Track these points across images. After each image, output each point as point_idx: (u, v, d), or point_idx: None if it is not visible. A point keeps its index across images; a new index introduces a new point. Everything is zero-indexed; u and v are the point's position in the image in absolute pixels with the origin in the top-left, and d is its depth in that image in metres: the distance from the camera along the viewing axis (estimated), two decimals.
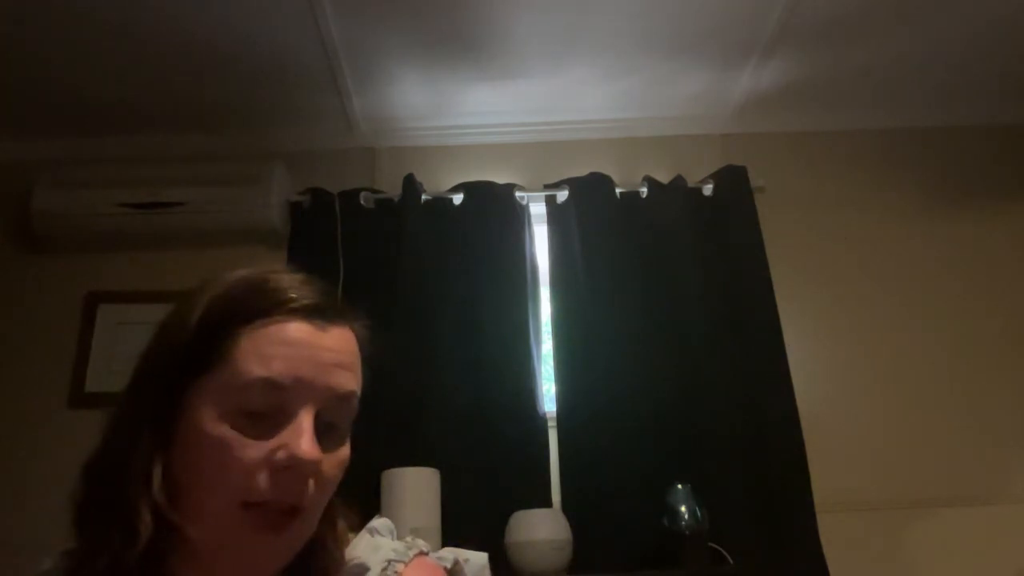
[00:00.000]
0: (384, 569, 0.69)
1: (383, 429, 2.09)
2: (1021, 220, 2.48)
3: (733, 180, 2.39)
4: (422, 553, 0.73)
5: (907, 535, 2.13)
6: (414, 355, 2.17)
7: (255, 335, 0.64)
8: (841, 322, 2.34)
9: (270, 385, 0.62)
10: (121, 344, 2.25)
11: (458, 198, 2.40)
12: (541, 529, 1.88)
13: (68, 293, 2.34)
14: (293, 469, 0.61)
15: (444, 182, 2.45)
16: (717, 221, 2.36)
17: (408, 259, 2.27)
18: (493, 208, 2.35)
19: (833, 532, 2.05)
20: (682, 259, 2.28)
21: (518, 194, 2.40)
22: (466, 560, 0.78)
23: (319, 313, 0.67)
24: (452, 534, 1.87)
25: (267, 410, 0.62)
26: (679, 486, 1.93)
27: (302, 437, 0.61)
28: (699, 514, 1.89)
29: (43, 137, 2.49)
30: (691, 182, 2.41)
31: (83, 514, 0.64)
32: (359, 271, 2.31)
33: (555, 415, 2.18)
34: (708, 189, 2.42)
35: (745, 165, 2.41)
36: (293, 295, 0.67)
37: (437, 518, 1.86)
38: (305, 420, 0.62)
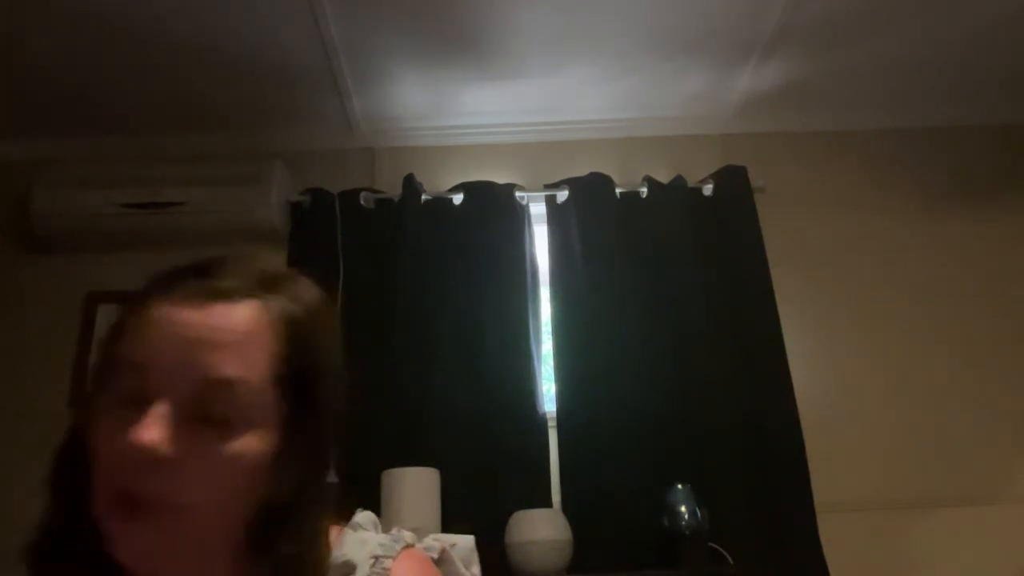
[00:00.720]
0: (372, 566, 0.67)
1: (383, 429, 2.09)
2: (1021, 220, 2.48)
3: (733, 180, 2.39)
4: (409, 546, 0.71)
5: (907, 535, 2.13)
6: (414, 355, 2.17)
7: (133, 320, 0.62)
8: (841, 322, 2.34)
9: (131, 367, 0.60)
10: None
11: (458, 198, 2.40)
12: (541, 529, 1.88)
13: (68, 293, 2.34)
14: (134, 458, 0.56)
15: (444, 182, 2.45)
16: (717, 221, 2.36)
17: (408, 259, 2.27)
18: (493, 208, 2.35)
19: (833, 532, 2.05)
20: (682, 259, 2.28)
21: (518, 194, 2.40)
22: (453, 545, 0.76)
23: (198, 292, 0.62)
24: (452, 534, 1.87)
25: (135, 396, 0.59)
26: (679, 486, 1.93)
27: (144, 422, 0.57)
28: (699, 514, 1.89)
29: (43, 137, 2.49)
30: (691, 182, 2.41)
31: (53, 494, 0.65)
32: (359, 271, 2.31)
33: (555, 415, 2.18)
34: (708, 189, 2.42)
35: (745, 165, 2.41)
36: (179, 272, 0.64)
37: (437, 518, 1.86)
38: (157, 406, 0.58)
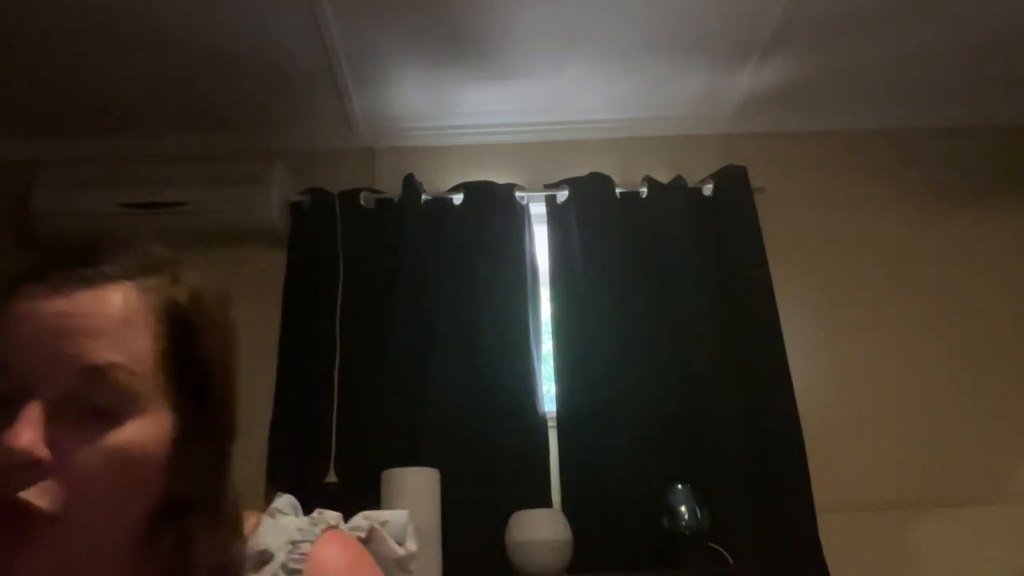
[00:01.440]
0: (289, 552, 0.63)
1: (383, 429, 2.09)
2: (1022, 220, 2.48)
3: (733, 180, 2.39)
4: (331, 527, 0.67)
5: (907, 535, 2.13)
6: (414, 355, 2.17)
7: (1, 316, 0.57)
8: (841, 322, 2.34)
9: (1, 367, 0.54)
10: None
11: (458, 198, 2.40)
12: (541, 529, 1.88)
13: None
14: (9, 467, 0.51)
15: (444, 182, 2.45)
16: (717, 221, 2.36)
17: (408, 259, 2.27)
18: (493, 208, 2.35)
19: (833, 532, 2.05)
20: (682, 259, 2.28)
21: (518, 194, 2.40)
22: (384, 522, 0.72)
23: (66, 280, 0.57)
24: (452, 534, 1.87)
25: (6, 398, 0.54)
26: (679, 486, 1.94)
27: (16, 424, 0.52)
28: (699, 514, 1.89)
29: (43, 137, 2.49)
30: (691, 182, 2.41)
31: None
32: (359, 271, 2.31)
33: (555, 415, 2.18)
34: (708, 189, 2.42)
35: (745, 165, 2.41)
36: (37, 263, 0.59)
37: (437, 518, 1.86)
38: (28, 406, 0.53)
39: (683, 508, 1.90)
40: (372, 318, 2.23)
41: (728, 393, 2.15)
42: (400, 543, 0.73)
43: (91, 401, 0.55)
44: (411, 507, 1.83)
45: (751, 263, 2.30)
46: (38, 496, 0.52)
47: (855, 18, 2.13)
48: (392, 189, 2.41)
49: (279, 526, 0.66)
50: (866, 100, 2.51)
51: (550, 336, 2.27)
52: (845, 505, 2.12)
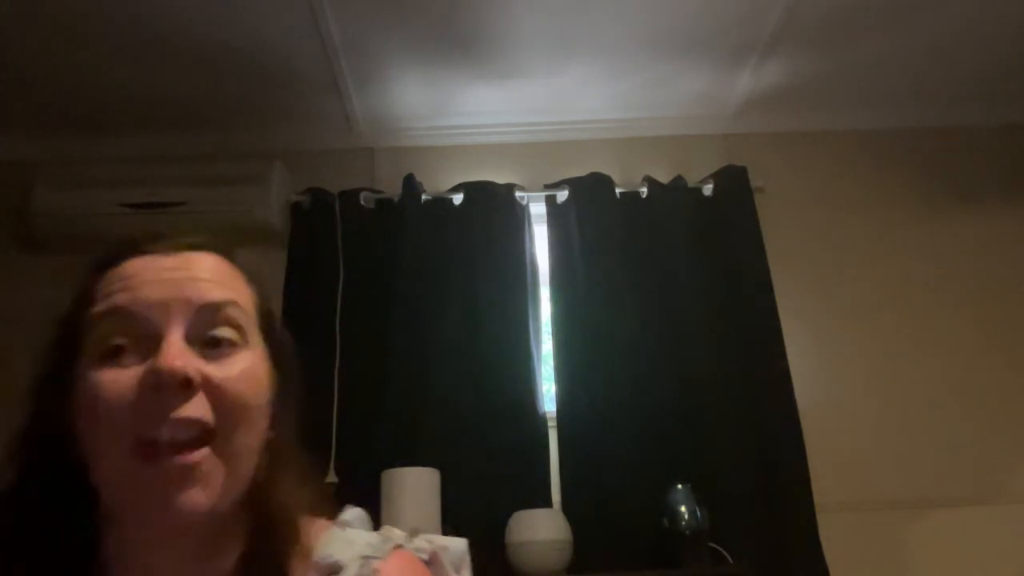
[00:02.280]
0: (361, 566, 0.65)
1: (383, 429, 2.09)
2: (1022, 221, 2.48)
3: (733, 180, 2.39)
4: (399, 546, 0.69)
5: (907, 535, 2.13)
6: (414, 355, 2.17)
7: (102, 282, 0.63)
8: (841, 322, 2.34)
9: (118, 314, 0.59)
10: None
11: (458, 198, 2.40)
12: (541, 529, 1.88)
13: (68, 293, 2.33)
14: (164, 386, 0.55)
15: (444, 182, 2.45)
16: (717, 221, 2.36)
17: (408, 259, 2.27)
18: (493, 208, 2.35)
19: (833, 532, 2.05)
20: (682, 259, 2.28)
21: (518, 194, 2.40)
22: (444, 548, 0.74)
23: (166, 246, 0.64)
24: (452, 534, 1.87)
25: (129, 343, 0.58)
26: (679, 486, 1.94)
27: (163, 351, 0.56)
28: (699, 514, 1.89)
29: (43, 137, 2.48)
30: (691, 182, 2.41)
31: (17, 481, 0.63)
32: (359, 271, 2.31)
33: (555, 415, 2.18)
34: (708, 189, 2.42)
35: (745, 165, 2.41)
36: (143, 239, 0.65)
37: (437, 518, 1.86)
38: (168, 335, 0.57)
39: (683, 508, 1.90)
40: (372, 318, 2.23)
41: (728, 393, 2.15)
42: (457, 571, 0.74)
43: (211, 333, 0.60)
44: (411, 507, 1.83)
45: (751, 263, 2.30)
46: (196, 411, 0.56)
47: (855, 18, 2.13)
48: (392, 189, 2.41)
49: (348, 539, 0.68)
50: (866, 100, 2.51)
51: (550, 336, 2.27)
52: (845, 505, 2.12)
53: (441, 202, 2.39)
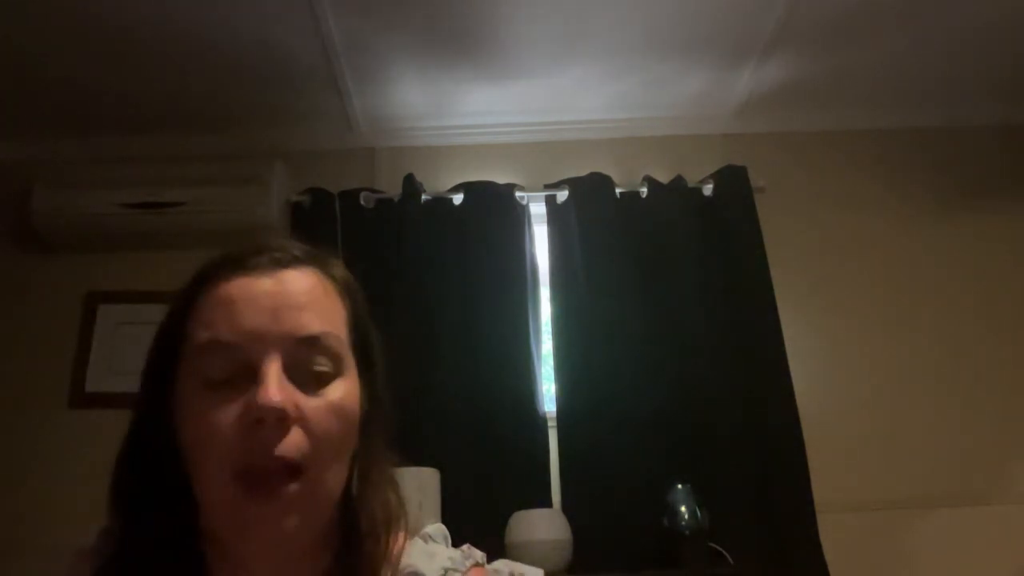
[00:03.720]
0: None
1: None
2: (1022, 221, 2.48)
3: (733, 180, 2.39)
4: (478, 565, 0.71)
5: (907, 535, 2.13)
6: (414, 355, 2.17)
7: (201, 304, 0.64)
8: (841, 322, 2.34)
9: (220, 346, 0.61)
10: (121, 344, 2.25)
11: (458, 198, 2.40)
12: (541, 529, 1.88)
13: (68, 293, 2.34)
14: (262, 421, 0.58)
15: (444, 182, 2.45)
16: (717, 221, 2.36)
17: (408, 259, 2.27)
18: (493, 208, 2.35)
19: (833, 532, 2.05)
20: (682, 259, 2.29)
21: (518, 194, 2.40)
22: (521, 574, 0.74)
23: (264, 264, 0.65)
24: (452, 534, 1.86)
25: (232, 374, 0.60)
26: (679, 486, 1.93)
27: (263, 386, 0.58)
28: (699, 514, 1.89)
29: (43, 137, 2.49)
30: (691, 182, 2.41)
31: (119, 498, 0.65)
32: (359, 271, 2.27)
33: (555, 415, 2.18)
34: (708, 189, 2.42)
35: (745, 165, 2.41)
36: (235, 255, 0.65)
37: (437, 518, 1.86)
38: (266, 370, 0.59)
39: (683, 508, 1.90)
40: (372, 318, 2.22)
41: (728, 393, 2.15)
42: None
43: (309, 365, 0.62)
44: (411, 507, 1.83)
45: (751, 263, 2.30)
46: (288, 450, 0.58)
47: (855, 18, 2.13)
48: (392, 189, 2.41)
49: (429, 551, 0.70)
50: (866, 100, 2.51)
51: (550, 336, 2.27)
52: (845, 505, 2.12)
53: (441, 202, 2.39)
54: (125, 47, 2.13)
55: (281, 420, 0.58)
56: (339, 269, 0.70)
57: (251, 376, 0.59)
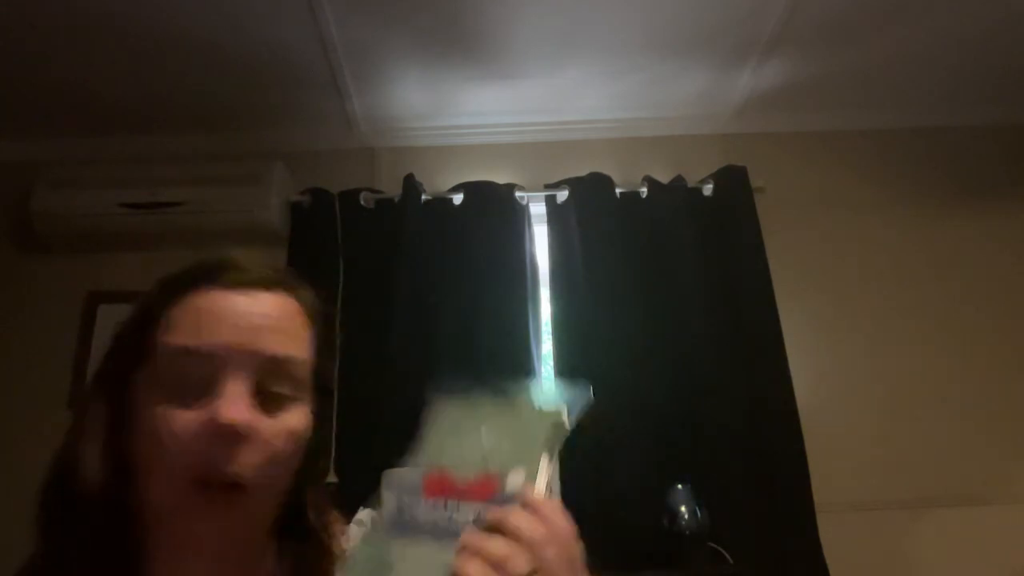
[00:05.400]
0: None
1: (383, 429, 2.09)
2: (1022, 221, 2.48)
3: (733, 180, 2.39)
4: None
5: (907, 535, 2.13)
6: (413, 355, 2.17)
7: (176, 310, 0.64)
8: (841, 322, 2.34)
9: (191, 354, 0.62)
10: None
11: (458, 198, 2.40)
12: None
13: (68, 293, 2.34)
14: (221, 435, 0.59)
15: (444, 182, 2.45)
16: (717, 221, 2.36)
17: (408, 259, 2.27)
18: (493, 208, 2.35)
19: (833, 532, 2.05)
20: (682, 259, 2.28)
21: (518, 194, 2.40)
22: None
23: (240, 281, 0.66)
24: None
25: (198, 382, 0.61)
26: (679, 486, 1.94)
27: (226, 401, 0.60)
28: (699, 514, 1.89)
29: (43, 137, 2.49)
30: (691, 182, 2.41)
31: (46, 512, 0.65)
32: (359, 271, 2.31)
33: None
34: (708, 189, 2.42)
35: (745, 165, 2.41)
36: (218, 267, 0.67)
37: None
38: (232, 386, 0.61)
39: (683, 508, 1.90)
40: (372, 318, 2.23)
41: (728, 393, 2.15)
42: None
43: (272, 386, 0.63)
44: None
45: (751, 263, 2.30)
46: (242, 467, 0.60)
47: (855, 18, 2.13)
48: (392, 189, 2.41)
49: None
50: (866, 100, 2.51)
51: (550, 336, 2.26)
52: (845, 505, 2.12)
53: (441, 202, 2.39)
54: (125, 47, 2.13)
55: (238, 437, 0.60)
56: (308, 295, 0.71)
57: (215, 388, 0.61)
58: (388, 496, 0.64)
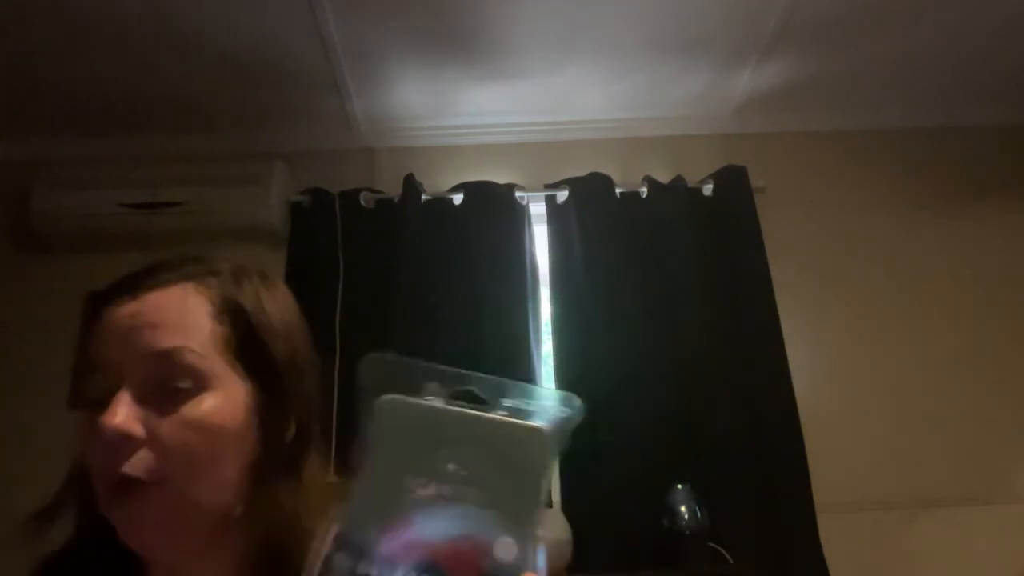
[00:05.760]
0: None
1: None
2: (1021, 221, 2.48)
3: (733, 180, 2.39)
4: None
5: (907, 535, 2.13)
6: (414, 355, 2.16)
7: (92, 326, 0.69)
8: (841, 322, 2.34)
9: (92, 370, 0.66)
10: None
11: (458, 198, 2.40)
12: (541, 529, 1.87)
13: (68, 293, 2.32)
14: (107, 443, 0.61)
15: (444, 182, 2.45)
16: (717, 221, 2.36)
17: (408, 259, 2.27)
18: (493, 208, 2.35)
19: (833, 532, 2.05)
20: (682, 259, 2.28)
21: (518, 194, 2.40)
22: None
23: (136, 286, 0.68)
24: None
25: (98, 396, 0.64)
26: (679, 486, 1.93)
27: (108, 410, 0.62)
28: (699, 514, 1.89)
29: (42, 137, 2.49)
30: (691, 182, 2.41)
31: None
32: (359, 271, 2.30)
33: None
34: (708, 189, 2.42)
35: (745, 165, 2.41)
36: (125, 279, 0.70)
37: None
38: (119, 394, 0.63)
39: (683, 508, 1.90)
40: (372, 318, 2.23)
41: (728, 393, 2.15)
42: None
43: (167, 382, 0.63)
44: None
45: (751, 263, 2.30)
46: (134, 468, 0.61)
47: (855, 18, 2.13)
48: (392, 189, 2.40)
49: None
50: (866, 100, 2.51)
51: (550, 336, 2.26)
52: (845, 505, 2.12)
53: (441, 202, 2.39)
54: (125, 47, 2.13)
55: (125, 440, 0.61)
56: (222, 281, 0.70)
57: (108, 399, 0.63)
58: (340, 559, 0.44)
